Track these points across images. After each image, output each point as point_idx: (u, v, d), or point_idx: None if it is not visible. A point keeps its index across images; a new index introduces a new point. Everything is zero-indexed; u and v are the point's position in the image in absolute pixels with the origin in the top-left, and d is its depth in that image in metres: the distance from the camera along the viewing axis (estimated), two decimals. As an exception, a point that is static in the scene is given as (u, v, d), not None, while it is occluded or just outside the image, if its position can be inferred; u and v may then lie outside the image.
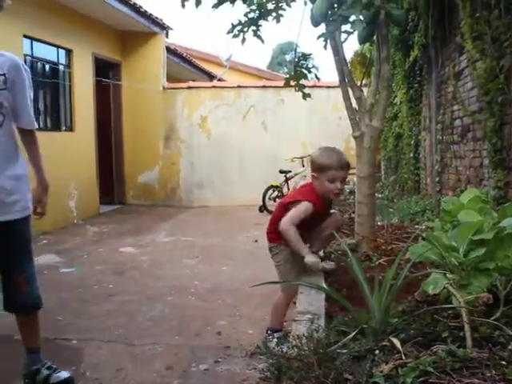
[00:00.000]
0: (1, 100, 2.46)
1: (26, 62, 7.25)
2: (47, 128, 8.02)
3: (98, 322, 3.67)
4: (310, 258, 2.79)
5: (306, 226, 2.94)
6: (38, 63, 7.79)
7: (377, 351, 1.79)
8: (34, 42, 7.51)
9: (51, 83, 8.09)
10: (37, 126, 2.72)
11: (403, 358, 1.74)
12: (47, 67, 8.04)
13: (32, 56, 7.51)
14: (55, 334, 3.44)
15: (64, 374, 2.71)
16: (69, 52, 8.45)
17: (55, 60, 8.20)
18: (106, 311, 3.92)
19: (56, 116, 8.31)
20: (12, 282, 2.58)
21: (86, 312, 3.91)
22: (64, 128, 8.46)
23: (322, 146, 3.11)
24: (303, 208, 2.88)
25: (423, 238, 2.72)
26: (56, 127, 8.29)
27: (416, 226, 4.97)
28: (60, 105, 8.37)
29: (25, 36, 7.16)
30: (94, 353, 3.16)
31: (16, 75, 2.51)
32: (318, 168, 2.94)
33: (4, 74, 2.46)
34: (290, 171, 9.43)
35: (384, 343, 1.85)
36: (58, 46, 8.15)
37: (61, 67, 8.36)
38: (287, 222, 2.86)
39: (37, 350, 2.74)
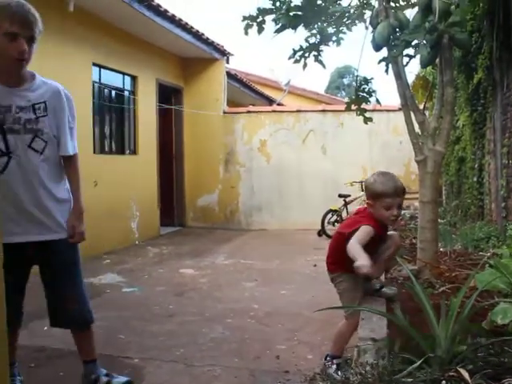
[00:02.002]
0: (41, 127, 2.56)
1: (93, 88, 7.58)
2: (112, 151, 8.33)
3: (158, 342, 3.73)
4: (360, 261, 2.53)
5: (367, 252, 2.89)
6: (105, 89, 8.12)
7: (443, 381, 1.74)
8: (102, 70, 7.84)
9: (117, 108, 8.42)
10: (73, 152, 2.72)
11: (471, 389, 1.68)
12: (113, 93, 8.37)
13: (100, 83, 7.84)
14: (117, 351, 3.51)
15: (123, 379, 2.81)
16: (134, 78, 8.77)
17: (121, 86, 8.53)
18: (166, 331, 3.97)
19: (121, 140, 8.63)
20: (59, 302, 2.69)
21: (147, 331, 3.98)
22: (128, 152, 8.75)
23: (376, 171, 3.04)
24: (367, 230, 2.79)
25: (490, 266, 2.64)
26: (120, 151, 8.59)
27: (480, 253, 4.82)
28: (125, 129, 8.69)
29: (94, 64, 7.49)
30: (155, 372, 3.20)
31: (56, 102, 2.62)
32: (373, 195, 2.86)
33: (45, 102, 2.58)
34: (349, 195, 9.35)
35: (451, 373, 1.79)
36: (123, 73, 8.48)
37: (126, 93, 8.68)
38: (354, 239, 2.73)
39: (93, 361, 2.83)
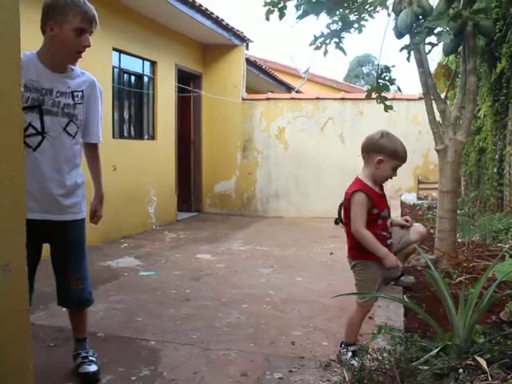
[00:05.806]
0: (77, 113, 2.74)
1: (113, 73, 7.61)
2: (131, 136, 8.37)
3: (175, 325, 3.77)
4: (388, 259, 2.65)
5: (382, 227, 2.85)
6: (125, 75, 8.14)
7: (460, 370, 1.74)
8: (122, 55, 7.86)
9: (136, 94, 8.44)
10: (101, 141, 2.95)
11: (489, 379, 1.67)
12: (133, 78, 8.39)
13: (119, 68, 7.86)
14: (135, 334, 3.56)
15: (92, 368, 2.85)
16: (153, 64, 8.78)
17: (140, 71, 8.54)
18: (183, 315, 4.01)
19: (139, 125, 8.66)
20: (64, 281, 2.80)
21: (163, 314, 4.02)
22: (147, 137, 8.78)
23: (381, 130, 2.91)
24: (358, 199, 2.76)
25: (511, 256, 2.62)
26: (139, 136, 8.62)
27: (499, 245, 4.79)
28: (144, 114, 8.71)
29: (114, 49, 7.50)
30: (171, 354, 3.23)
31: (91, 93, 2.82)
32: (391, 155, 2.81)
33: (82, 91, 2.76)
34: (366, 184, 9.30)
35: (468, 362, 1.79)
36: (143, 58, 8.48)
37: (145, 78, 8.69)
38: (356, 225, 2.75)
39: (83, 339, 2.96)
